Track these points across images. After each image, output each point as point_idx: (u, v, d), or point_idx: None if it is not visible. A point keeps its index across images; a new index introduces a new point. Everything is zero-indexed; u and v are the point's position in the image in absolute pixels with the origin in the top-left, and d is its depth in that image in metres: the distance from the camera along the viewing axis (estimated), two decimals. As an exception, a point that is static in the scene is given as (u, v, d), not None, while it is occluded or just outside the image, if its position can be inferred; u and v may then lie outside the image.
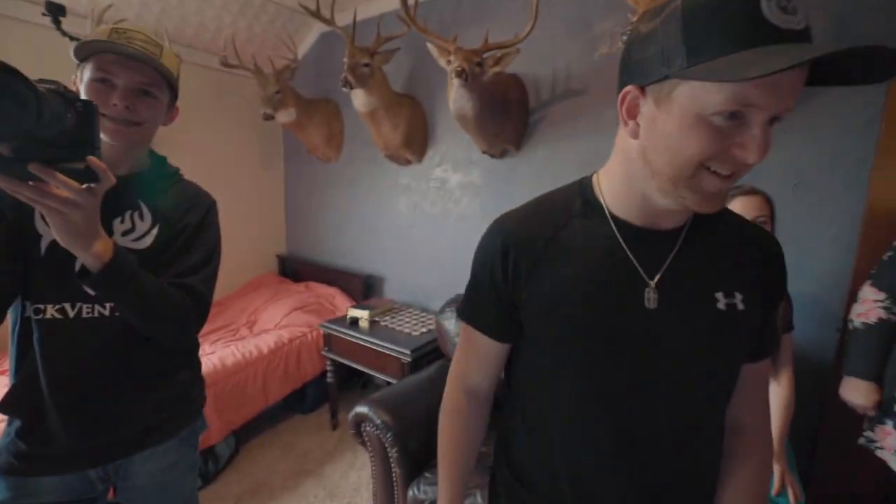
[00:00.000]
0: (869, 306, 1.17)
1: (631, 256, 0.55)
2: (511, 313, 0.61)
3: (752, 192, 1.16)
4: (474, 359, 0.68)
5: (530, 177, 2.01)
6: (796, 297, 1.23)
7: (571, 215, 0.59)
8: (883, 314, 1.16)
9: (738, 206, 1.15)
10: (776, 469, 1.10)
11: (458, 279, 2.25)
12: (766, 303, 0.58)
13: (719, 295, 0.55)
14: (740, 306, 0.55)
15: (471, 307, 0.66)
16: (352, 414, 1.52)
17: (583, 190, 0.60)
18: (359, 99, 2.04)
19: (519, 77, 1.96)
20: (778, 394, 1.17)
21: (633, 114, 0.49)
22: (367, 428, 1.48)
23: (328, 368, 2.29)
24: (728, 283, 0.55)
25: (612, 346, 0.55)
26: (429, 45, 1.73)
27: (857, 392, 1.17)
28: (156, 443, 0.87)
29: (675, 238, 0.56)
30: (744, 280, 0.56)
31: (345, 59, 1.88)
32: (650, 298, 0.54)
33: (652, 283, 0.54)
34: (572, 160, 1.89)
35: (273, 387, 2.18)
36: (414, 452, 1.44)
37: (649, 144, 0.48)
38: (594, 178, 0.61)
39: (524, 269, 0.58)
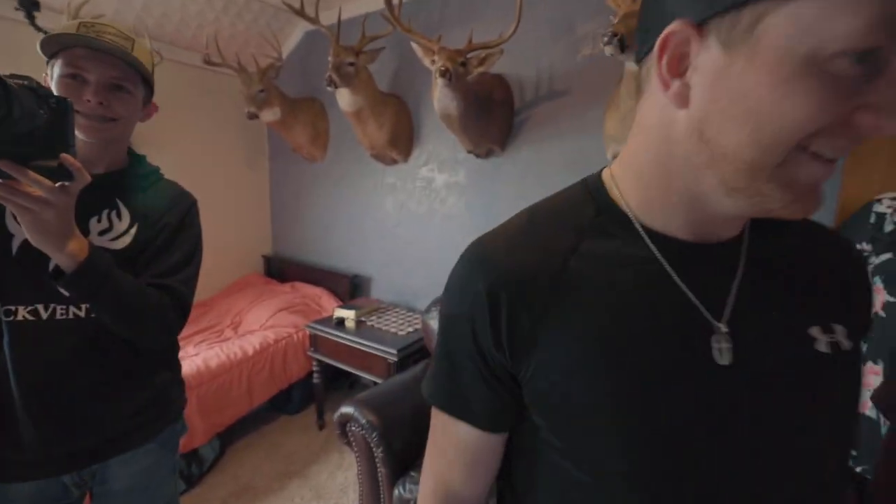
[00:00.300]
0: None
1: (684, 288, 0.37)
2: (508, 390, 0.42)
3: None
4: (456, 459, 0.46)
5: (515, 177, 2.02)
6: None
7: (583, 233, 0.40)
8: None
9: None
10: None
11: (444, 278, 2.24)
12: (863, 331, 0.43)
13: (815, 331, 0.38)
14: (846, 344, 0.38)
15: (443, 386, 0.45)
16: (337, 414, 1.51)
17: (593, 193, 0.42)
18: (344, 98, 2.03)
19: (504, 77, 1.98)
20: None
21: (678, 69, 0.32)
22: (353, 428, 1.47)
23: (314, 369, 2.28)
24: (823, 313, 0.39)
25: (673, 432, 0.36)
26: (413, 44, 1.74)
27: None
28: (133, 446, 0.86)
29: (735, 254, 0.39)
30: (840, 305, 0.40)
31: (329, 58, 1.88)
32: (722, 350, 0.36)
33: (721, 327, 0.37)
34: (556, 160, 1.91)
35: (258, 388, 2.16)
36: (399, 452, 1.45)
37: (712, 114, 0.31)
38: (605, 176, 0.43)
39: (525, 325, 0.39)
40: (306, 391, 2.43)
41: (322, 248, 2.89)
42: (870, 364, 1.07)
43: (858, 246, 1.16)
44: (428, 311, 1.89)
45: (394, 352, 1.89)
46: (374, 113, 2.13)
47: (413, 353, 1.95)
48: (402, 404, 1.55)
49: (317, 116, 2.64)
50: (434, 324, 1.86)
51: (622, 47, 1.25)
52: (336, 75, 1.86)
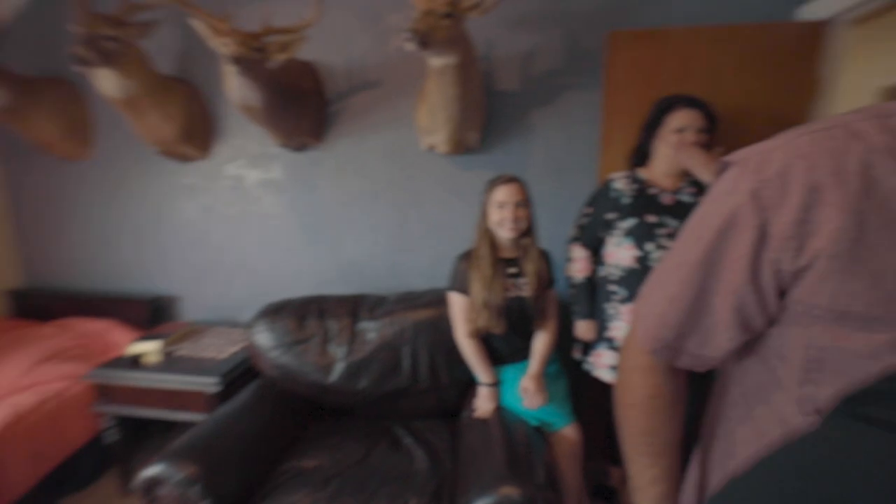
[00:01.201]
0: (582, 264, 1.48)
1: None
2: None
3: (512, 179, 1.33)
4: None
5: (335, 170, 1.93)
6: (556, 257, 1.49)
7: None
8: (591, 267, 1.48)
9: (502, 194, 1.30)
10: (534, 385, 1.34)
11: (267, 287, 2.04)
12: None
13: None
14: None
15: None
16: (139, 481, 1.20)
17: None
18: (108, 82, 1.61)
19: (312, 65, 1.85)
20: (543, 337, 1.41)
21: None
22: (164, 491, 1.20)
23: (107, 426, 1.79)
24: None
25: None
26: (194, 22, 1.47)
27: (585, 329, 1.49)
28: None
29: None
30: None
31: (76, 29, 1.45)
32: None
33: None
34: (375, 151, 1.89)
35: (14, 476, 1.58)
36: (232, 494, 1.24)
37: None
38: None
39: None
40: (98, 456, 1.90)
41: (104, 269, 2.28)
42: None
43: (606, 216, 1.40)
44: (253, 325, 1.67)
45: (213, 381, 1.61)
46: (156, 102, 1.75)
47: (238, 376, 1.71)
48: (228, 438, 1.32)
49: (69, 103, 2.05)
50: (261, 339, 1.64)
51: (422, 44, 1.27)
52: (87, 52, 1.45)
